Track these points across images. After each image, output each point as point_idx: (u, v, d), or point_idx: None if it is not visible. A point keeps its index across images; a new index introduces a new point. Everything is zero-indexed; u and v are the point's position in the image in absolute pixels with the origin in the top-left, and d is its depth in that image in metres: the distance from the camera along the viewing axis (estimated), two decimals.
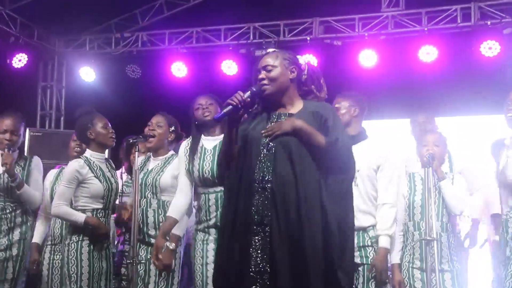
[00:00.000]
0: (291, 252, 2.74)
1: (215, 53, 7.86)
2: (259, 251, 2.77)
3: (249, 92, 2.91)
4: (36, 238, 4.64)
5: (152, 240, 4.00)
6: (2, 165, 4.33)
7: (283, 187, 2.80)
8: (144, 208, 4.05)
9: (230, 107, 2.84)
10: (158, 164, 4.15)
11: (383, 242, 3.68)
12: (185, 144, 3.96)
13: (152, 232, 4.04)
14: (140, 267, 3.99)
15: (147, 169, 4.15)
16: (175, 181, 4.03)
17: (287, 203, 2.78)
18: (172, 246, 3.83)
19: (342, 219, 2.84)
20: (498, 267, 3.94)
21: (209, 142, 3.86)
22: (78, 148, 4.67)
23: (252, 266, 2.76)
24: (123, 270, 4.34)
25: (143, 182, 4.08)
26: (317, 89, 3.10)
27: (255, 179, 2.83)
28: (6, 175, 4.37)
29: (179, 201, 3.86)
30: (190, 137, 3.97)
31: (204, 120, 3.88)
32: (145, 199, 4.07)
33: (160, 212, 4.06)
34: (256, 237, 2.78)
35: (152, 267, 3.95)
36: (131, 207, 4.04)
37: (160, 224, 4.00)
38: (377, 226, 3.72)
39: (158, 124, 4.17)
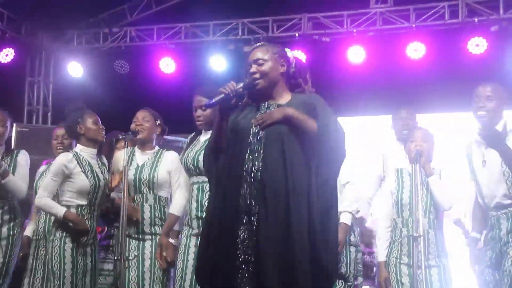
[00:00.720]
0: (277, 242, 2.75)
1: (204, 49, 7.85)
2: (246, 241, 2.78)
3: (242, 83, 2.93)
4: (27, 231, 4.63)
5: (146, 237, 4.01)
6: None
7: (272, 176, 2.81)
8: (140, 203, 4.05)
9: (222, 95, 2.86)
10: (149, 159, 4.14)
11: (344, 219, 3.97)
12: (189, 138, 3.99)
13: (147, 228, 4.03)
14: (133, 264, 3.98)
15: (137, 164, 4.14)
16: (168, 176, 4.06)
17: (276, 193, 2.79)
18: (175, 242, 3.89)
19: (325, 211, 2.84)
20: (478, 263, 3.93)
21: (205, 136, 3.86)
22: (60, 146, 4.63)
23: (238, 255, 2.77)
24: (106, 266, 4.32)
25: (136, 178, 4.08)
26: (303, 83, 3.12)
27: (244, 168, 2.84)
28: None
29: (179, 198, 3.94)
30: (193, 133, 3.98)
31: (198, 127, 3.90)
32: (140, 194, 4.07)
33: (156, 208, 4.06)
34: (243, 226, 2.79)
35: (146, 263, 3.96)
36: (120, 175, 4.04)
37: (156, 220, 4.02)
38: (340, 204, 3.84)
39: (144, 119, 4.16)
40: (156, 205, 4.06)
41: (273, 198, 2.79)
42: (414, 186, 3.85)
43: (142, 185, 4.08)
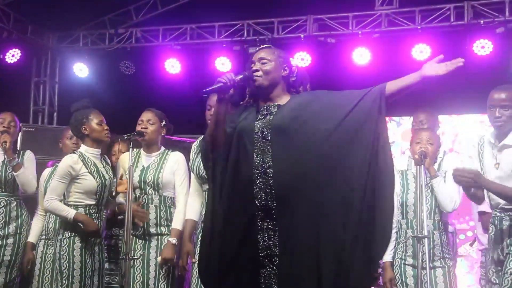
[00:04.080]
0: (301, 234, 2.78)
1: (209, 50, 7.86)
2: (269, 235, 2.81)
3: (242, 75, 2.96)
4: (31, 237, 4.66)
5: (152, 237, 4.02)
6: (0, 145, 4.36)
7: (283, 170, 2.84)
8: (145, 204, 4.07)
9: (220, 84, 2.88)
10: (154, 161, 4.15)
11: None
12: (196, 143, 3.99)
13: (152, 229, 4.05)
14: (137, 263, 3.99)
15: (143, 166, 4.15)
16: (173, 177, 4.06)
17: (288, 185, 2.82)
18: (174, 241, 3.91)
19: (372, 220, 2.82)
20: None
21: None
22: (75, 147, 4.67)
23: (259, 252, 2.80)
24: (109, 265, 4.35)
25: (141, 179, 4.09)
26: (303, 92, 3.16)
27: (254, 165, 2.87)
28: (0, 168, 4.41)
29: (194, 202, 3.92)
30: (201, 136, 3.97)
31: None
32: (146, 195, 4.09)
33: (161, 208, 4.08)
34: (262, 222, 2.83)
35: (151, 262, 3.98)
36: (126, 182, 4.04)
37: (161, 220, 4.03)
38: None
39: (149, 122, 4.17)
40: (162, 206, 4.08)
41: (285, 189, 2.82)
42: (418, 187, 3.85)
43: (147, 186, 4.09)
